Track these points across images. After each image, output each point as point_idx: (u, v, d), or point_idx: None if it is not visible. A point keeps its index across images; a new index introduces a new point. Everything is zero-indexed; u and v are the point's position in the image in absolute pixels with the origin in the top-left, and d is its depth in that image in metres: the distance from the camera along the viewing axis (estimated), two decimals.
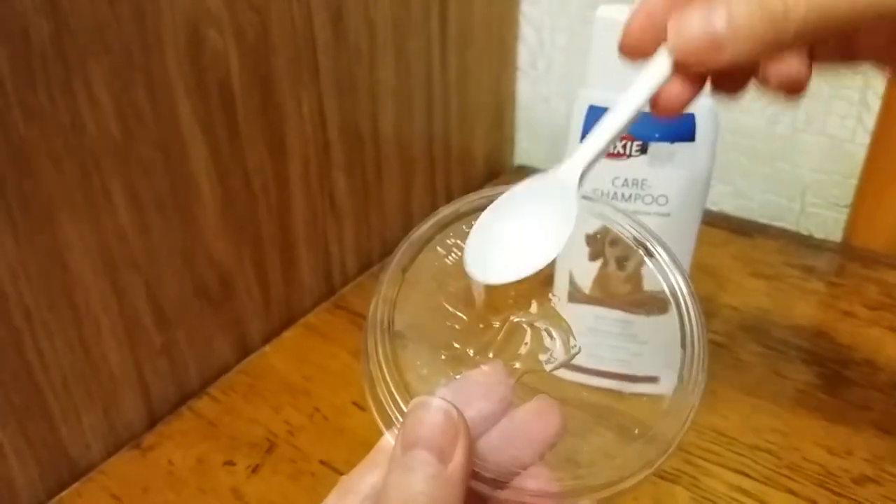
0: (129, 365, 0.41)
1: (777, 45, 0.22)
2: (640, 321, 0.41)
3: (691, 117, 0.36)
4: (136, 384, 0.41)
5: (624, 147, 0.37)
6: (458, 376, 0.23)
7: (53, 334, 0.36)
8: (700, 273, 0.55)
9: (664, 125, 0.36)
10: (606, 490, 0.22)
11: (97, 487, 0.39)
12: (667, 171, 0.37)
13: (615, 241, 0.38)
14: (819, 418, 0.42)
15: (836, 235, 0.60)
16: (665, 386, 0.42)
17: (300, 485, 0.39)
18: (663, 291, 0.38)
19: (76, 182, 0.35)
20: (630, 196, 0.38)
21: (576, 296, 0.40)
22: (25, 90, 0.32)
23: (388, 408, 0.22)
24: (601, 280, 0.40)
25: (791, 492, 0.38)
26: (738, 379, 0.45)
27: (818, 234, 0.60)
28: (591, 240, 0.39)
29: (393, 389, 0.22)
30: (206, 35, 0.39)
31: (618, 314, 0.40)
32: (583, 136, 0.37)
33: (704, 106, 0.36)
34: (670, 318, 0.40)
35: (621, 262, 0.39)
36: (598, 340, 0.41)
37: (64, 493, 0.39)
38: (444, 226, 0.26)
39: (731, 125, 0.59)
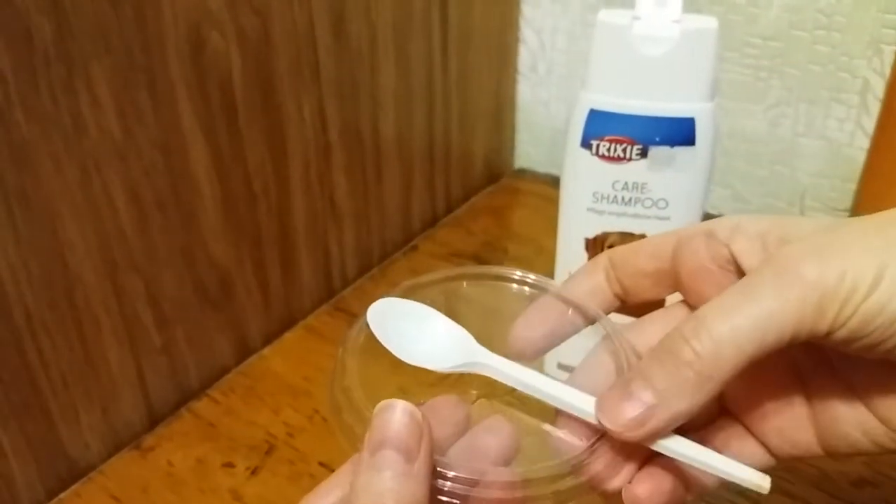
0: (129, 365, 0.41)
1: (709, 395, 0.22)
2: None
3: (691, 121, 0.36)
4: (135, 385, 0.41)
5: (624, 151, 0.37)
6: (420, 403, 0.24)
7: (53, 334, 0.36)
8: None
9: (665, 129, 0.37)
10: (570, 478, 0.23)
11: (96, 488, 0.39)
12: (667, 175, 0.37)
13: (613, 247, 0.38)
14: None
15: None
16: None
17: (299, 486, 0.39)
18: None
19: (77, 182, 0.36)
20: (630, 200, 0.38)
21: None
22: (27, 90, 0.32)
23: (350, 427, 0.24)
24: None
25: (788, 494, 0.38)
26: None
27: None
28: (591, 244, 0.39)
29: (359, 410, 0.24)
30: (208, 36, 0.39)
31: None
32: (583, 140, 0.37)
33: (705, 110, 0.37)
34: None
35: None
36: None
37: (63, 494, 0.39)
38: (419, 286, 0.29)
39: (730, 129, 0.59)
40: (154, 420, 0.43)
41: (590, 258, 0.39)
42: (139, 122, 0.37)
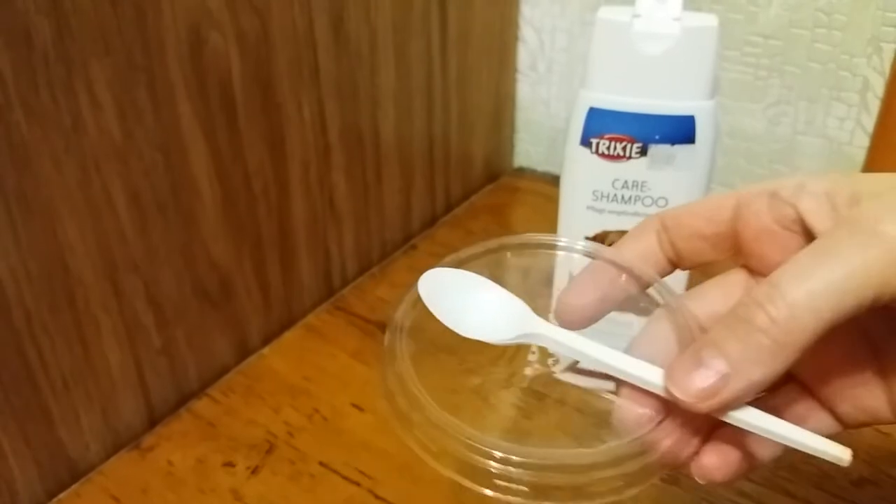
0: (129, 366, 0.41)
1: (786, 364, 0.21)
2: (638, 321, 0.41)
3: (691, 119, 0.36)
4: (135, 385, 0.41)
5: (624, 149, 0.37)
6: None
7: (53, 335, 0.36)
8: (697, 274, 0.55)
9: (665, 127, 0.37)
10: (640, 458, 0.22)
11: (96, 488, 0.39)
12: (667, 173, 0.37)
13: (612, 244, 0.38)
14: None
15: None
16: None
17: (300, 485, 0.39)
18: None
19: (77, 182, 0.36)
20: (630, 198, 0.38)
21: None
22: (27, 90, 0.32)
23: (405, 413, 0.22)
24: None
25: (789, 493, 0.38)
26: None
27: None
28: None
29: (413, 395, 0.23)
30: (208, 36, 0.39)
31: (619, 316, 0.41)
32: (583, 138, 0.37)
33: (705, 108, 0.37)
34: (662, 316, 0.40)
35: None
36: (601, 341, 0.42)
37: (63, 494, 0.39)
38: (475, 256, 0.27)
39: (730, 128, 0.59)
40: (154, 420, 0.43)
41: None
42: (139, 122, 0.37)
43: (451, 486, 0.39)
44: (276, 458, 0.40)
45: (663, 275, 0.27)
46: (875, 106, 0.54)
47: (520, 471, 0.21)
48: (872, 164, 0.56)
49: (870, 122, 0.54)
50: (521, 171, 0.70)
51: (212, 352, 0.46)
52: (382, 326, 0.51)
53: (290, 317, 0.51)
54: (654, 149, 0.37)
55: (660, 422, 0.22)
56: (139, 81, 0.37)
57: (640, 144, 0.37)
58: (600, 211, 0.39)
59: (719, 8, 0.57)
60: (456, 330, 0.23)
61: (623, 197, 0.38)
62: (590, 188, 0.38)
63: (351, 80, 0.49)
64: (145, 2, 0.36)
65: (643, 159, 0.37)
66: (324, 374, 0.46)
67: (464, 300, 0.24)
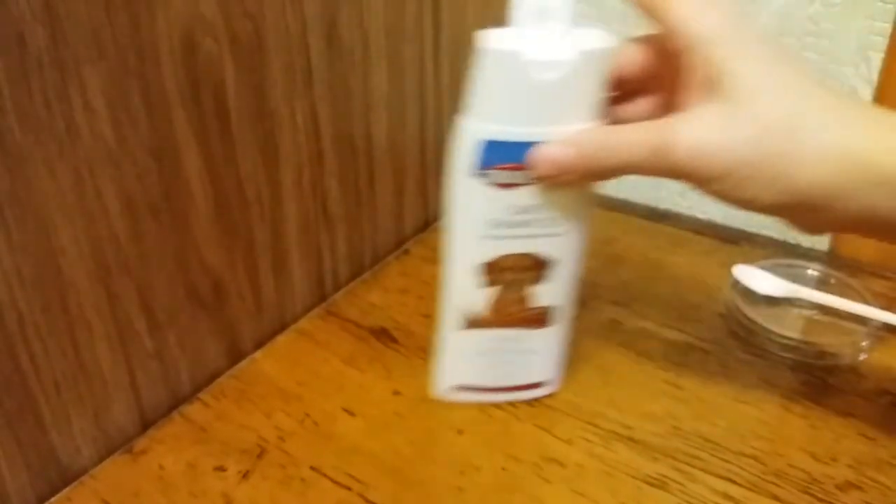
0: (121, 370, 0.41)
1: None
2: (532, 335, 0.42)
3: None
4: (127, 389, 0.41)
5: (518, 177, 0.36)
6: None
7: (46, 339, 0.37)
8: (688, 281, 0.56)
9: None
10: None
11: (88, 492, 0.39)
12: (558, 195, 0.37)
13: (508, 269, 0.39)
14: (804, 425, 0.43)
15: (823, 244, 0.60)
16: (549, 387, 0.45)
17: (290, 490, 0.39)
18: (551, 305, 0.40)
19: (70, 187, 0.36)
20: (525, 222, 0.37)
21: (471, 323, 0.41)
22: (21, 96, 0.33)
23: None
24: (495, 304, 0.40)
25: (776, 498, 0.38)
26: (725, 386, 0.46)
27: (805, 243, 0.61)
28: (488, 269, 0.39)
29: None
30: (201, 42, 0.39)
31: (511, 332, 0.41)
32: (476, 170, 0.36)
33: None
34: (556, 328, 0.42)
35: (515, 286, 0.40)
36: (493, 360, 0.43)
37: (54, 499, 0.39)
38: None
39: None
40: (146, 424, 0.43)
41: (486, 284, 0.39)
42: (133, 127, 0.37)
43: (442, 488, 0.39)
44: (267, 463, 0.40)
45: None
46: None
47: None
48: None
49: None
50: None
51: (204, 356, 0.46)
52: (374, 331, 0.52)
53: (282, 321, 0.51)
54: None
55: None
56: (133, 87, 0.37)
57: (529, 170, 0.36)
58: (497, 238, 0.38)
59: None
60: None
61: (518, 222, 0.37)
62: (486, 218, 0.37)
63: (344, 85, 0.49)
64: (139, 7, 0.36)
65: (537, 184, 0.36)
66: (315, 378, 0.46)
67: None
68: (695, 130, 0.32)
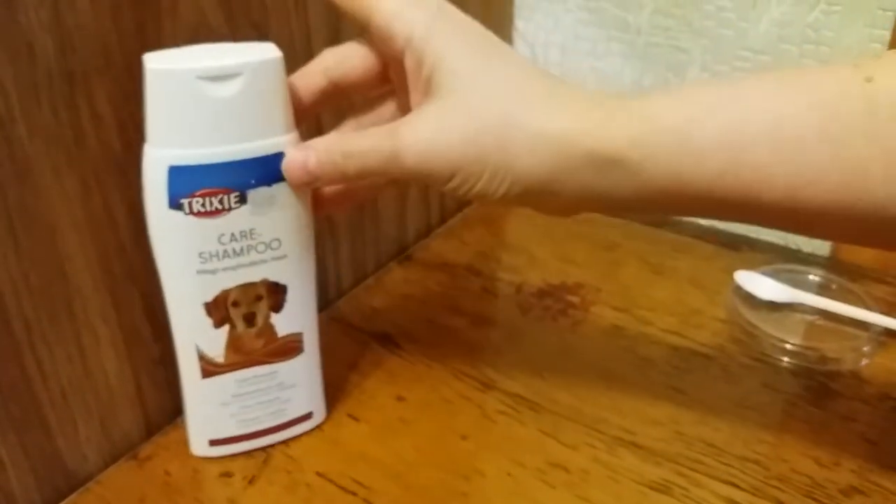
0: (127, 376, 0.41)
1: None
2: (284, 367, 0.40)
3: (281, 156, 0.35)
4: (133, 395, 0.42)
5: (221, 202, 0.34)
6: None
7: (53, 346, 0.37)
8: (689, 286, 0.56)
9: (258, 169, 0.34)
10: None
11: (94, 498, 0.39)
12: (273, 215, 0.35)
13: (237, 302, 0.37)
14: (807, 430, 0.43)
15: (824, 250, 0.61)
16: (318, 417, 0.43)
17: (296, 496, 0.39)
18: (296, 332, 0.39)
19: (77, 195, 0.36)
20: (241, 249, 0.36)
21: (211, 370, 0.38)
22: (30, 105, 0.33)
23: None
24: (233, 344, 0.38)
25: (780, 502, 0.39)
26: (728, 391, 0.46)
27: (806, 248, 0.61)
28: (213, 307, 0.37)
29: None
30: None
31: (260, 370, 0.39)
32: (171, 201, 0.34)
33: (291, 142, 0.35)
34: (308, 355, 0.41)
35: (249, 320, 0.38)
36: (248, 403, 0.40)
37: None
38: None
39: None
40: (151, 430, 0.43)
41: (215, 323, 0.37)
42: (139, 135, 0.38)
43: (447, 494, 0.40)
44: (272, 469, 0.41)
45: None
46: None
47: None
48: None
49: None
50: None
51: None
52: (377, 337, 0.52)
53: None
54: (252, 194, 0.35)
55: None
56: (139, 95, 0.37)
57: (237, 193, 0.34)
58: (213, 272, 0.36)
59: (710, 24, 0.58)
60: None
61: (234, 251, 0.35)
62: (195, 252, 0.35)
63: None
64: (146, 16, 0.36)
65: (245, 207, 0.35)
66: None
67: None
68: (418, 133, 0.32)
